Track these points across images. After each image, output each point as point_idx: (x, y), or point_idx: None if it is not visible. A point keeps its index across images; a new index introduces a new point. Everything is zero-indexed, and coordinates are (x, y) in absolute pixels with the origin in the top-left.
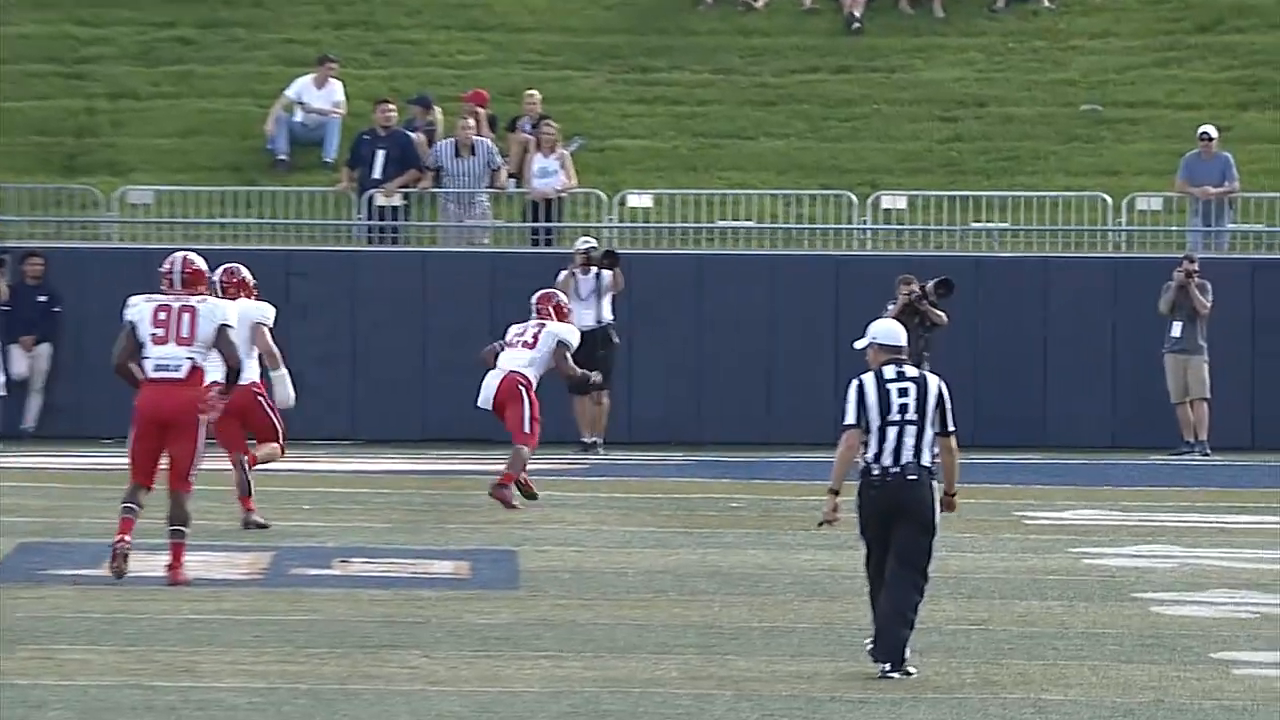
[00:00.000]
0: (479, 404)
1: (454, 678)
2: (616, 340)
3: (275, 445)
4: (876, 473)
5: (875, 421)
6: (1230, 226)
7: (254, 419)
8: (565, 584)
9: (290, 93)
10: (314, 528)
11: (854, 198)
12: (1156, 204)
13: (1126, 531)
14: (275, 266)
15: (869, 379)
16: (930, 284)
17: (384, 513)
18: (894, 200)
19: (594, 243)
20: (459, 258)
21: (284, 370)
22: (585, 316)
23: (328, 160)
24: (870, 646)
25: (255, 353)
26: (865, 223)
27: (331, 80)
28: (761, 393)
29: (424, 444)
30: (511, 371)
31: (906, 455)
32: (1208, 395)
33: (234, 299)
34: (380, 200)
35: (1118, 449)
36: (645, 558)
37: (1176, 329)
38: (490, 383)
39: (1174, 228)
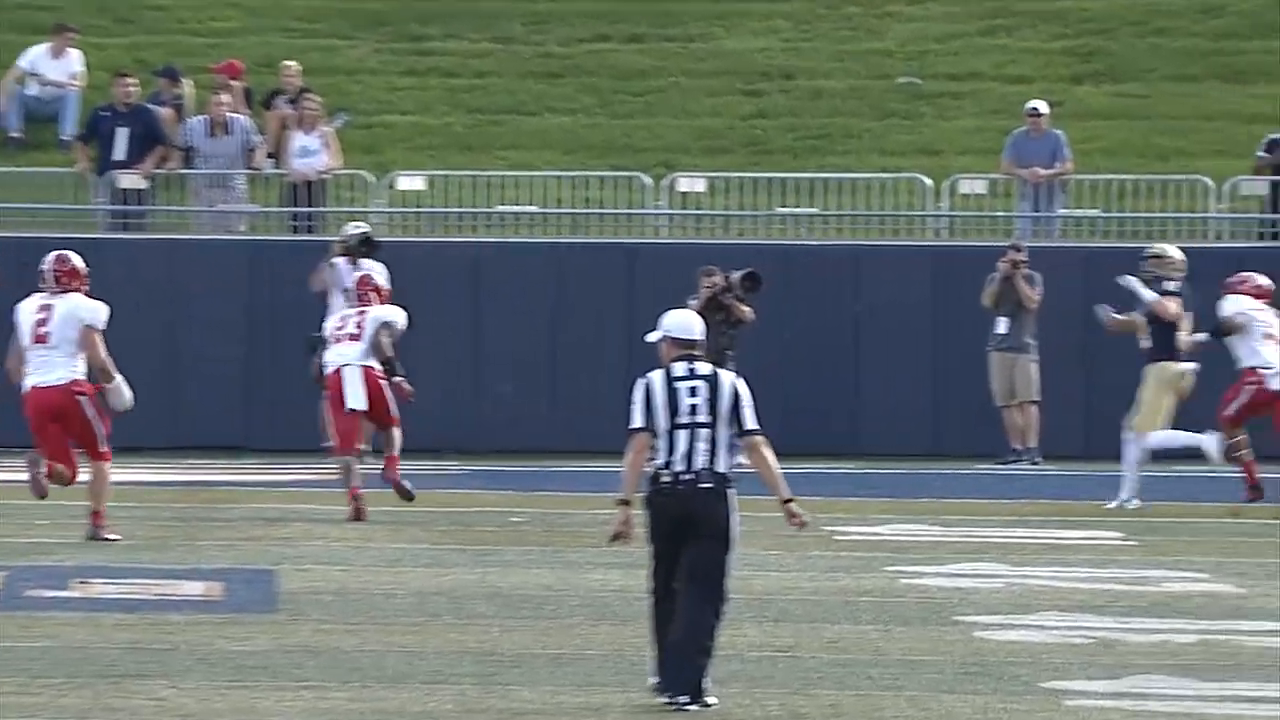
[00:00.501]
0: (350, 407)
1: (206, 711)
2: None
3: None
4: (666, 479)
5: (664, 424)
6: (1062, 212)
7: (73, 424)
8: (329, 607)
9: (23, 63)
10: (50, 545)
11: (648, 179)
12: (980, 187)
13: (948, 548)
14: (6, 254)
15: (657, 377)
16: (736, 276)
17: (127, 527)
18: (692, 183)
19: (366, 228)
20: (212, 246)
21: (118, 379)
22: None
23: (64, 138)
24: (654, 681)
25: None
26: (660, 207)
27: (69, 50)
28: (545, 395)
29: (173, 452)
30: (364, 367)
31: (699, 461)
32: (1036, 397)
33: (66, 290)
34: (124, 183)
35: (938, 457)
36: (417, 578)
37: (1002, 325)
38: (353, 384)
39: (1000, 213)
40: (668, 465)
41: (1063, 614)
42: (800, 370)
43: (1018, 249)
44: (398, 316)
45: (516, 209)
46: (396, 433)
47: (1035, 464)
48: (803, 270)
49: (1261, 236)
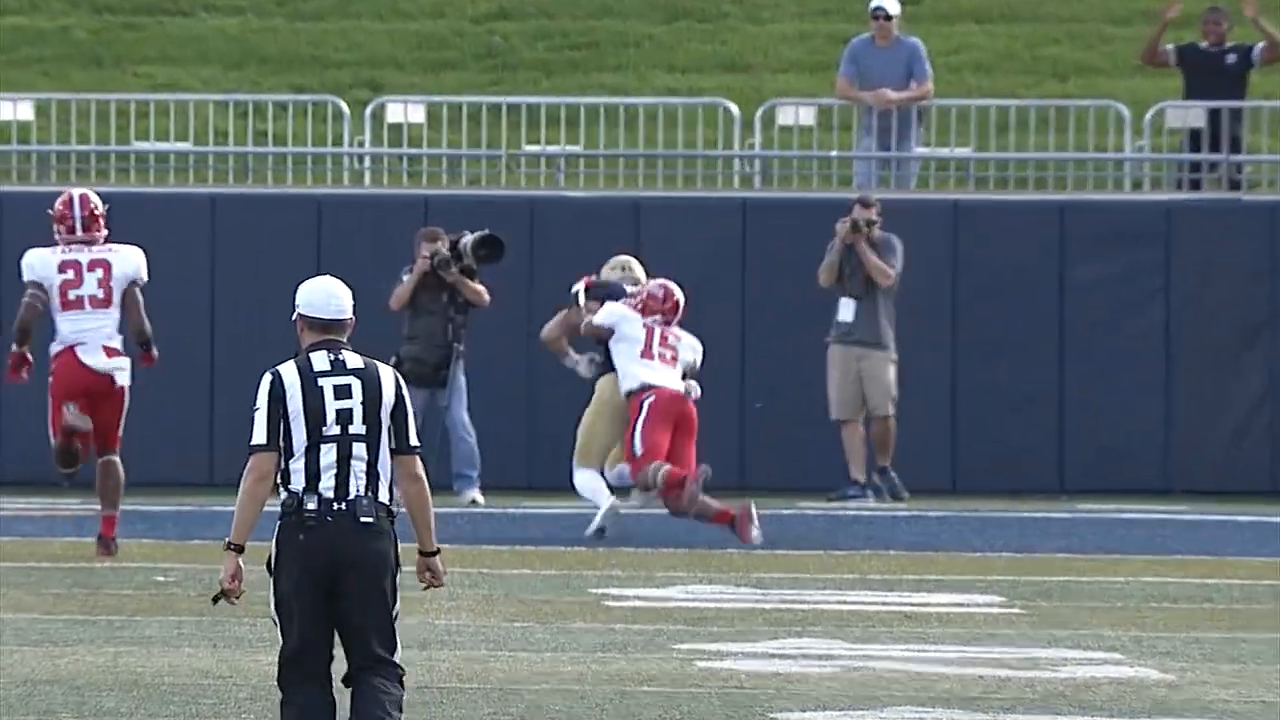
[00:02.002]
0: None
1: None
2: None
3: None
4: (311, 509)
5: (301, 436)
6: (920, 151)
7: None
8: None
9: None
10: None
11: (344, 105)
12: (807, 116)
13: (762, 618)
14: None
15: (289, 371)
16: (467, 241)
17: None
18: (405, 109)
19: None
20: None
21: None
22: None
23: None
24: None
25: None
26: (361, 144)
27: None
28: (203, 404)
29: None
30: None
31: (355, 486)
32: (891, 411)
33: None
34: None
35: (748, 490)
36: (24, 660)
37: (846, 309)
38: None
39: (834, 153)
40: (309, 489)
41: (921, 710)
42: (558, 372)
43: (865, 204)
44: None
45: (161, 146)
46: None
47: (888, 499)
48: (560, 231)
49: (1195, 185)
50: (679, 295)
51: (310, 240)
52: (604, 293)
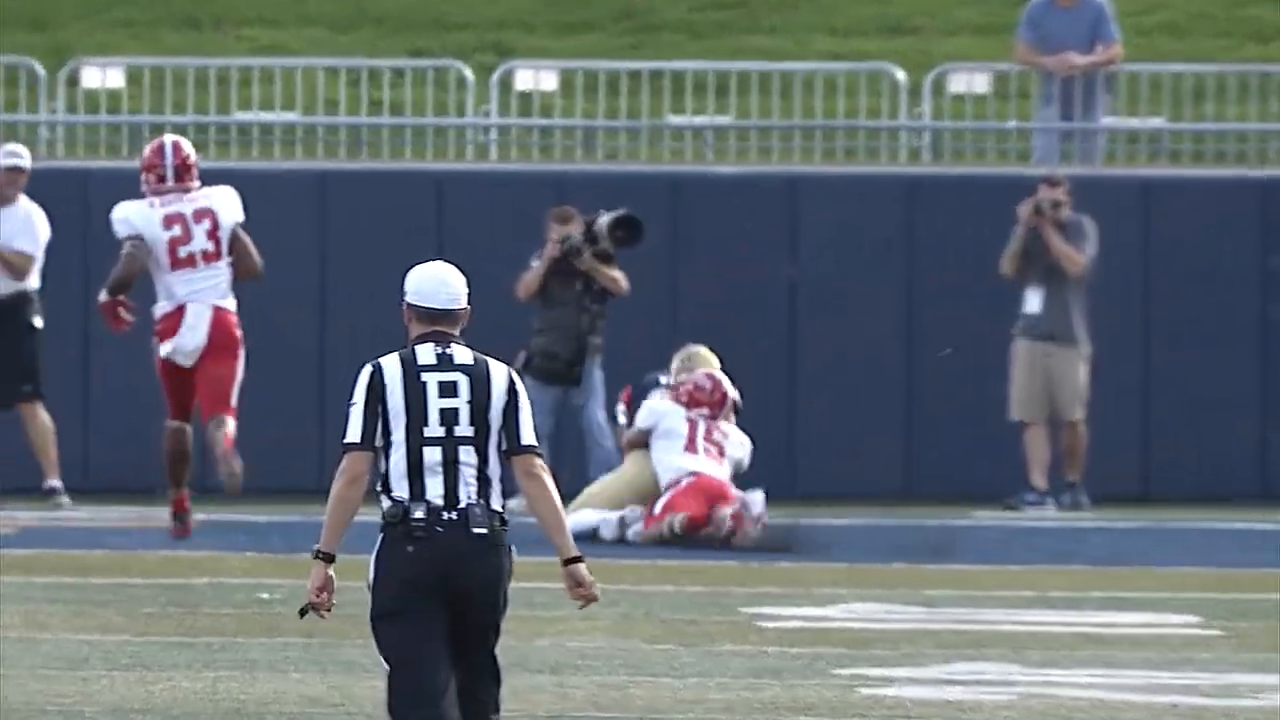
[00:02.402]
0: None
1: None
2: (38, 324)
3: None
4: (419, 517)
5: (401, 436)
6: (1107, 122)
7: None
8: None
9: None
10: None
11: (467, 71)
12: (981, 83)
13: (932, 640)
14: None
15: (391, 364)
16: (603, 222)
17: None
18: (535, 76)
19: (21, 156)
20: None
21: None
22: None
23: None
24: None
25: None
26: (486, 113)
27: None
28: (312, 410)
29: None
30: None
31: (466, 493)
32: (1081, 414)
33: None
34: None
35: (913, 500)
36: (114, 687)
37: (1032, 299)
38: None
39: (1012, 124)
40: (418, 496)
41: None
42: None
43: (1051, 183)
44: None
45: (265, 117)
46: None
47: (1074, 507)
48: (707, 210)
49: None
50: (729, 388)
51: (429, 221)
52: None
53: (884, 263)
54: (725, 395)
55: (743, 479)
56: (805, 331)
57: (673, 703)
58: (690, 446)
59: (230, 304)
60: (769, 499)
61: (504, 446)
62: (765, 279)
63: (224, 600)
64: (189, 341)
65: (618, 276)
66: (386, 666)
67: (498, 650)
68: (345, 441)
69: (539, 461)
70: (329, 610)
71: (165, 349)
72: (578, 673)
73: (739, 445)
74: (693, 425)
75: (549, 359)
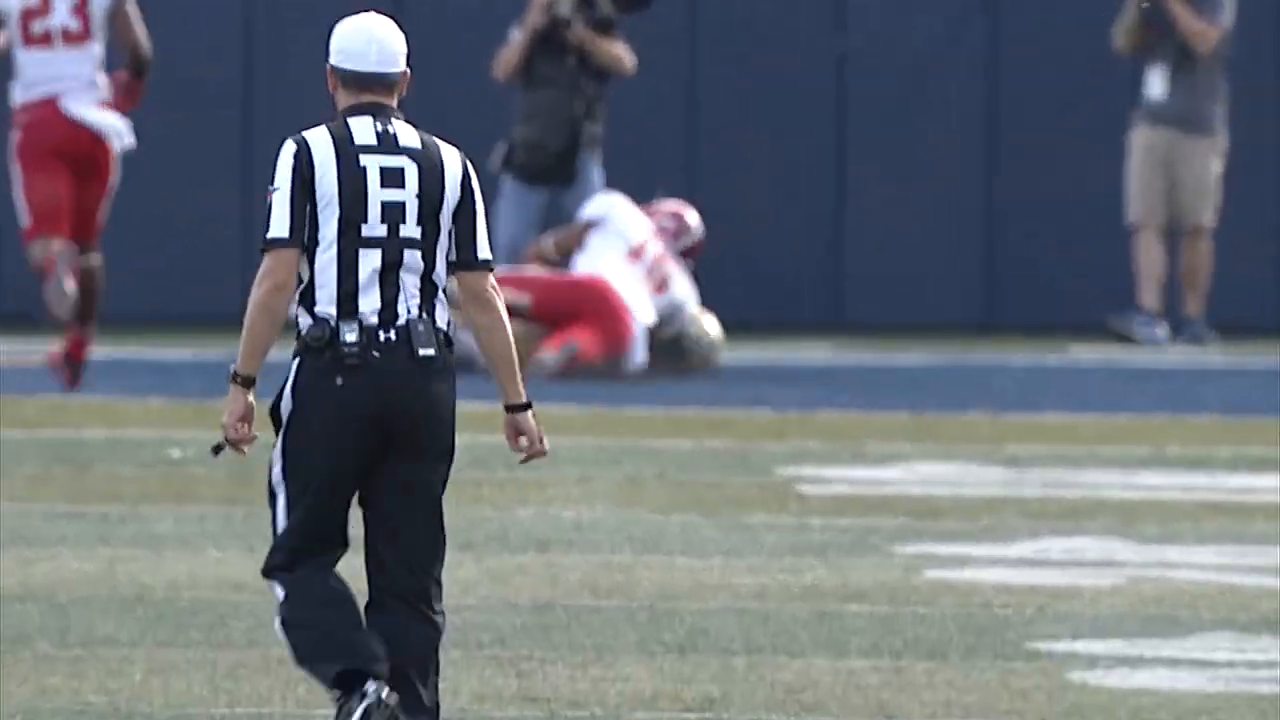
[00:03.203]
0: None
1: None
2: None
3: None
4: (350, 340)
5: (332, 235)
6: None
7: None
8: None
9: None
10: None
11: None
12: None
13: (1017, 509)
14: None
15: (320, 141)
16: None
17: None
18: None
19: None
20: None
21: None
22: None
23: None
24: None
25: None
26: None
27: None
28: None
29: None
30: None
31: (407, 307)
32: (1209, 220)
33: None
34: None
35: (992, 333)
36: None
37: (1156, 81)
38: None
39: None
40: (348, 313)
41: (1240, 638)
42: (735, 167)
43: None
44: None
45: None
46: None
47: (1196, 341)
48: None
49: None
50: (697, 229)
51: None
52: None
53: (960, 29)
54: (692, 233)
55: None
56: (858, 119)
57: (691, 587)
58: (635, 256)
59: (97, 96)
60: (807, 328)
61: (452, 257)
62: (807, 53)
63: (125, 458)
64: (58, 140)
65: (620, 53)
66: (278, 545)
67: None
68: (268, 237)
69: (493, 281)
70: (248, 445)
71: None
72: (571, 550)
73: (684, 291)
74: (646, 243)
75: (534, 151)
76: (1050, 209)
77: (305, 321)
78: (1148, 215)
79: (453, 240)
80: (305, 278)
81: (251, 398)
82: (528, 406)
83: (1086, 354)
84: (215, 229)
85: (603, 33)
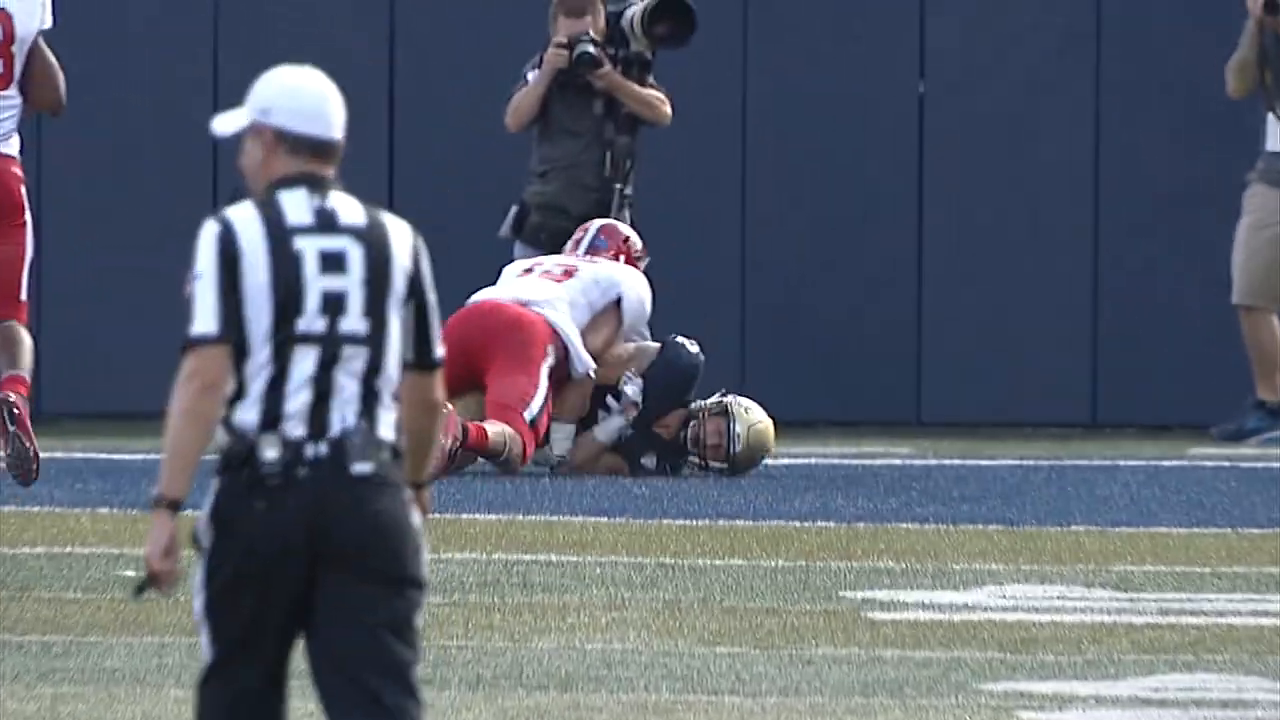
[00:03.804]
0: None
1: None
2: None
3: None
4: (271, 457)
5: (262, 332)
6: None
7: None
8: None
9: None
10: None
11: None
12: None
13: (1130, 640)
14: None
15: (247, 221)
16: (634, 11)
17: None
18: None
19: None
20: None
21: None
22: None
23: None
24: None
25: None
26: None
27: None
28: None
29: None
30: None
31: (342, 415)
32: None
33: None
34: None
35: (1099, 431)
36: None
37: (1274, 134)
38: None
39: None
40: (271, 424)
41: None
42: (790, 238)
43: None
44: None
45: None
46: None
47: None
48: (789, 4)
49: None
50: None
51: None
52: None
53: (1059, 70)
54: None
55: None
56: (937, 174)
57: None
58: (526, 272)
59: (10, 148)
60: (880, 426)
61: (409, 356)
62: (880, 95)
63: (71, 579)
64: None
65: (655, 98)
66: (203, 688)
67: (419, 653)
68: (193, 333)
69: (436, 384)
70: (174, 584)
71: None
72: (599, 688)
73: (612, 276)
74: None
75: (553, 216)
76: (1165, 286)
77: (222, 435)
78: (1261, 294)
79: (407, 335)
80: (240, 376)
81: (174, 523)
82: (429, 485)
83: (1208, 457)
84: (173, 312)
85: (635, 74)
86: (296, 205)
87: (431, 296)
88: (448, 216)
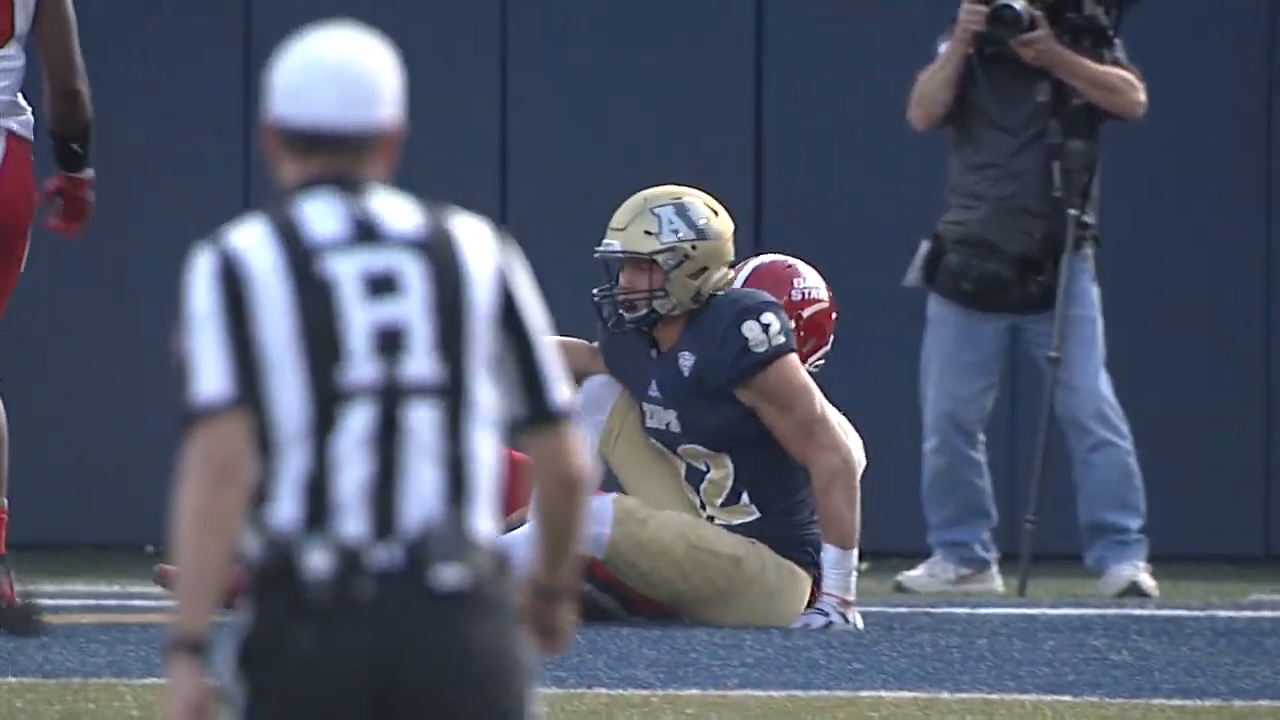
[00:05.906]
0: None
1: None
2: None
3: None
4: (320, 568)
5: (288, 393)
6: None
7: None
8: None
9: None
10: None
11: None
12: None
13: None
14: None
15: (258, 245)
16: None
17: None
18: None
19: None
20: None
21: None
22: None
23: None
24: None
25: None
26: None
27: None
28: None
29: None
30: None
31: (418, 501)
32: None
33: None
34: None
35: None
36: None
37: None
38: None
39: None
40: (314, 526)
41: None
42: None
43: None
44: None
45: None
46: None
47: None
48: None
49: None
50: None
51: None
52: None
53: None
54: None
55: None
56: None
57: None
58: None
59: (17, 124)
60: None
61: (522, 409)
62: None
63: None
64: None
65: (1116, 77)
66: None
67: None
68: (196, 401)
69: (569, 441)
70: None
71: None
72: None
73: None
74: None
75: (980, 254)
76: None
77: (250, 541)
78: None
79: (515, 374)
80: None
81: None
82: (565, 594)
83: None
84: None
85: (1090, 45)
86: (323, 214)
87: (537, 320)
88: None
